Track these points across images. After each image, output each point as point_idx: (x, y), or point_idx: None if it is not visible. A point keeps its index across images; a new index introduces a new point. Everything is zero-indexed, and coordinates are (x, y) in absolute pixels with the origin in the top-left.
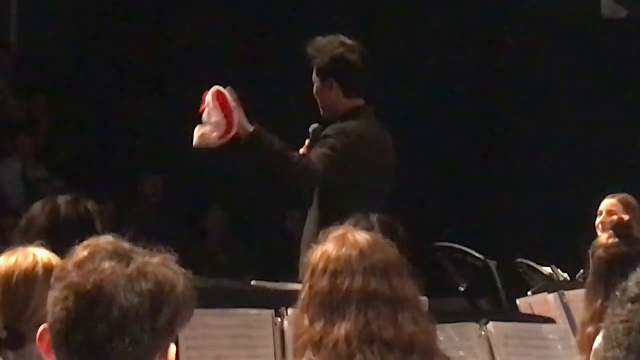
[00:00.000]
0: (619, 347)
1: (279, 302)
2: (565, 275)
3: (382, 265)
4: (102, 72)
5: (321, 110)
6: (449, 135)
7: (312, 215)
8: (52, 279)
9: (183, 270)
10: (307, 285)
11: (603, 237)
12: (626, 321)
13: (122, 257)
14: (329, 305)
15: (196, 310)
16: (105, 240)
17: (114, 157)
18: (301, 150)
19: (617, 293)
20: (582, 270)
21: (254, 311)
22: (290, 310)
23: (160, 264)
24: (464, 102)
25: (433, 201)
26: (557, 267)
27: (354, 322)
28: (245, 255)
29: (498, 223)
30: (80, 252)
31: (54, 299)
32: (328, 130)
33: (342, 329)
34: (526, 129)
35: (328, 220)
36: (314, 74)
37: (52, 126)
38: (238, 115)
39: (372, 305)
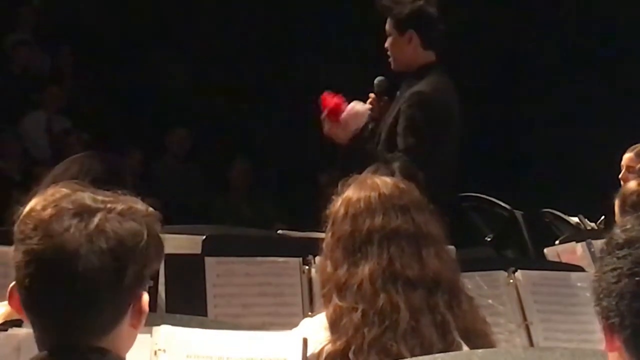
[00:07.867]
0: (610, 296)
1: (306, 250)
2: (593, 224)
3: (402, 203)
4: (128, 24)
5: (392, 64)
6: (474, 87)
7: None
8: (15, 237)
9: (150, 210)
10: (330, 232)
11: (632, 183)
12: (615, 269)
13: (83, 214)
14: (352, 248)
15: (223, 259)
16: (67, 190)
17: (140, 110)
18: (367, 104)
19: (604, 244)
20: (603, 217)
21: (281, 259)
22: (317, 258)
23: (123, 215)
24: (490, 55)
25: (459, 152)
26: (585, 217)
27: (377, 260)
28: (270, 207)
29: (524, 173)
30: (42, 211)
31: (16, 263)
32: (407, 100)
33: (365, 269)
34: (552, 79)
35: None
36: (388, 26)
37: (77, 78)
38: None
39: (395, 242)
